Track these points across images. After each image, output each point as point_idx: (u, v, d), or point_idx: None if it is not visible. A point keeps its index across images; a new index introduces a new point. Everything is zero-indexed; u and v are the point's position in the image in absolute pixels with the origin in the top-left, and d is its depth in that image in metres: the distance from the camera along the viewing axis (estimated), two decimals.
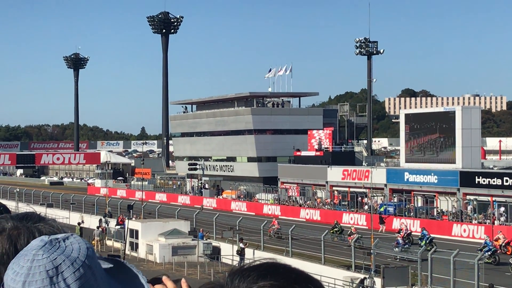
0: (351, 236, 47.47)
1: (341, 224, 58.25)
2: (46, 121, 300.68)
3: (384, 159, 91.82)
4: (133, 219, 55.80)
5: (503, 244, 46.40)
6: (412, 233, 51.75)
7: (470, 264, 32.54)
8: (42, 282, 1.60)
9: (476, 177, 60.57)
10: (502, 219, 56.78)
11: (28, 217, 2.15)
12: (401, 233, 49.49)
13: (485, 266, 35.49)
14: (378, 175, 66.87)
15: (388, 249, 42.18)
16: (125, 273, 1.86)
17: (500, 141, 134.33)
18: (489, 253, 42.49)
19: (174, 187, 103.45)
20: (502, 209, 57.53)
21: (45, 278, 1.61)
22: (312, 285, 1.42)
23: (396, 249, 43.53)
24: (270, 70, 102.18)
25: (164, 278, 2.08)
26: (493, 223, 55.67)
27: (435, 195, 64.20)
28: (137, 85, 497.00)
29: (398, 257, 41.96)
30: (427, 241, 47.22)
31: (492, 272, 37.50)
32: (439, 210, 62.43)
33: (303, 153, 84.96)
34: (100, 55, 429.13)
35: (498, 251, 44.76)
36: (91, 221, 64.42)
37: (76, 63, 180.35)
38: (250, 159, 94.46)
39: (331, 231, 51.88)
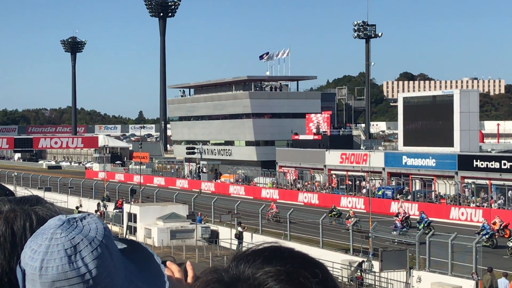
0: (349, 220, 47.55)
1: (339, 208, 58.34)
2: (43, 105, 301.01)
3: (382, 143, 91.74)
4: (131, 203, 55.81)
5: (500, 228, 46.51)
6: (410, 217, 51.86)
7: (468, 247, 32.58)
8: (60, 261, 1.60)
9: (474, 160, 60.58)
10: (500, 202, 56.83)
11: (25, 200, 2.15)
12: (399, 217, 49.55)
13: (483, 249, 35.51)
14: (376, 159, 66.85)
15: (386, 233, 42.24)
16: (140, 253, 1.86)
17: (498, 124, 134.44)
18: (486, 236, 42.56)
19: (172, 171, 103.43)
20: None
21: (63, 256, 1.61)
22: (318, 269, 1.40)
23: (394, 232, 43.59)
24: (267, 53, 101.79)
25: (168, 263, 2.08)
26: (491, 207, 55.77)
27: (433, 179, 64.24)
28: (134, 69, 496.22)
29: (396, 240, 42.02)
30: (426, 225, 47.30)
31: (490, 255, 37.55)
32: (437, 194, 62.49)
33: (301, 137, 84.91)
34: (98, 39, 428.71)
35: (496, 235, 44.87)
36: (89, 205, 64.49)
37: (74, 47, 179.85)
38: (248, 143, 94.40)
39: (329, 214, 51.94)
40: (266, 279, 1.35)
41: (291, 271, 1.36)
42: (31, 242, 1.67)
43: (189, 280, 2.10)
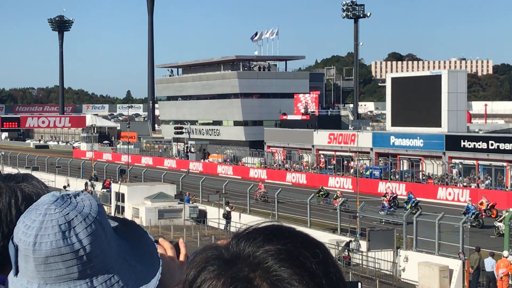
0: (337, 200, 47.73)
1: (327, 188, 58.45)
2: (31, 84, 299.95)
3: (370, 123, 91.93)
4: (119, 182, 55.72)
5: (487, 208, 46.76)
6: (398, 197, 52.07)
7: (455, 227, 32.71)
8: (54, 236, 1.59)
9: (462, 140, 60.76)
10: (487, 182, 57.09)
11: (11, 177, 2.14)
12: (387, 197, 49.72)
13: (470, 230, 35.70)
14: (364, 139, 66.96)
15: (374, 213, 42.35)
16: (132, 231, 1.85)
17: (486, 104, 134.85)
18: (472, 216, 42.80)
19: (160, 150, 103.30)
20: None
21: (57, 232, 1.59)
22: (319, 249, 1.39)
23: (382, 212, 43.75)
24: (256, 34, 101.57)
25: (161, 240, 2.07)
26: (478, 187, 56.03)
27: (420, 159, 64.43)
28: (122, 48, 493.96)
29: (383, 220, 42.16)
30: (413, 205, 47.49)
31: (477, 235, 37.76)
32: (424, 174, 62.71)
33: (289, 117, 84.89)
34: (85, 17, 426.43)
35: (482, 215, 45.11)
36: (77, 185, 64.32)
37: (61, 25, 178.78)
38: (236, 123, 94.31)
39: (317, 195, 52.03)
40: (266, 258, 1.34)
41: (291, 250, 1.35)
42: (24, 218, 1.65)
43: (182, 257, 2.09)
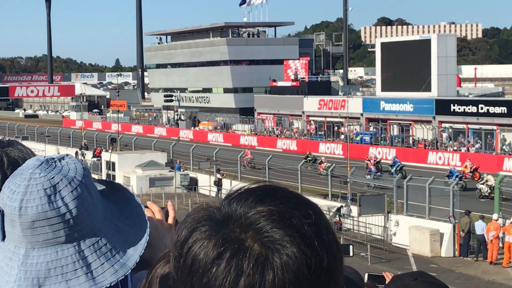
0: (322, 165, 47.95)
1: (318, 154, 58.59)
2: (19, 54, 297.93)
3: (360, 89, 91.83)
4: (109, 151, 55.64)
5: (470, 170, 47.11)
6: (382, 161, 52.37)
7: (445, 191, 32.87)
8: (40, 200, 1.58)
9: (452, 105, 60.84)
10: (477, 146, 57.28)
11: None
12: (371, 161, 50.04)
13: (461, 193, 35.89)
14: (354, 105, 66.91)
15: (364, 178, 42.52)
16: (119, 194, 1.84)
17: (475, 68, 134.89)
18: (456, 179, 43.15)
19: (150, 119, 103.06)
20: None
21: (43, 196, 1.58)
22: (311, 210, 1.37)
23: (368, 176, 43.94)
24: (245, 0, 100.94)
25: (149, 203, 2.07)
26: (468, 151, 56.23)
27: (410, 124, 64.53)
28: (110, 16, 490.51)
29: (371, 184, 42.29)
30: (398, 168, 47.81)
31: (467, 198, 37.90)
32: (414, 139, 62.86)
33: (279, 84, 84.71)
34: None
35: (465, 178, 45.39)
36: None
37: None
38: (226, 90, 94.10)
39: (304, 160, 52.19)
40: (258, 219, 1.32)
41: (283, 211, 1.33)
42: (9, 183, 1.63)
43: (170, 220, 2.08)
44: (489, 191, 39.74)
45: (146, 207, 1.99)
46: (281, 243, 1.30)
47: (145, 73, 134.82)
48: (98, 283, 1.62)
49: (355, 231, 34.59)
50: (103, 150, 58.09)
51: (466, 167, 47.47)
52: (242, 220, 1.33)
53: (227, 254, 1.30)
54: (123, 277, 1.67)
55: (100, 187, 1.78)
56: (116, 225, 1.72)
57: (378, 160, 51.30)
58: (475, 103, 59.66)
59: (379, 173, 46.03)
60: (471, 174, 46.87)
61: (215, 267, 1.30)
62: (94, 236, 1.65)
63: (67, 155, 1.72)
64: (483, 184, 41.22)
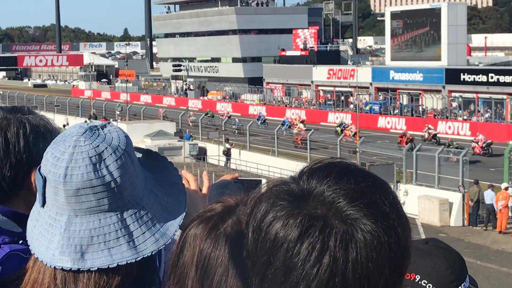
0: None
1: (327, 124, 58.49)
2: (27, 23, 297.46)
3: (370, 58, 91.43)
4: (118, 121, 55.71)
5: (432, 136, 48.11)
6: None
7: (455, 161, 32.82)
8: (85, 168, 1.56)
9: (462, 74, 60.51)
10: (487, 115, 57.05)
11: (17, 109, 2.11)
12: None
13: (470, 162, 35.77)
14: (364, 74, 66.66)
15: (374, 147, 42.44)
16: (156, 162, 1.82)
17: (485, 37, 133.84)
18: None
19: (159, 88, 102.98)
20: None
21: (88, 164, 1.56)
22: (388, 189, 1.38)
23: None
24: None
25: (184, 172, 2.07)
26: (478, 120, 56.04)
27: (420, 93, 64.27)
28: None
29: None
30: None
31: (476, 168, 37.83)
32: (424, 108, 62.63)
33: (288, 53, 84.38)
34: None
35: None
36: (76, 123, 64.31)
37: None
38: (235, 60, 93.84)
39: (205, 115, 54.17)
40: (339, 197, 1.32)
41: (364, 190, 1.33)
42: (52, 149, 1.60)
43: (204, 190, 2.07)
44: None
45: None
46: (363, 221, 1.31)
47: (154, 43, 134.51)
48: (139, 252, 1.62)
49: None
50: (111, 120, 58.14)
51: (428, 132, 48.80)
52: (324, 197, 1.33)
53: (312, 231, 1.30)
54: (163, 246, 1.66)
55: (138, 155, 1.75)
56: (155, 194, 1.70)
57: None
58: (485, 72, 59.31)
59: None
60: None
61: (299, 244, 1.30)
62: (136, 205, 1.64)
63: (108, 123, 1.69)
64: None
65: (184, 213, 1.72)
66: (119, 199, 1.60)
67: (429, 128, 51.15)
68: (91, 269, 1.60)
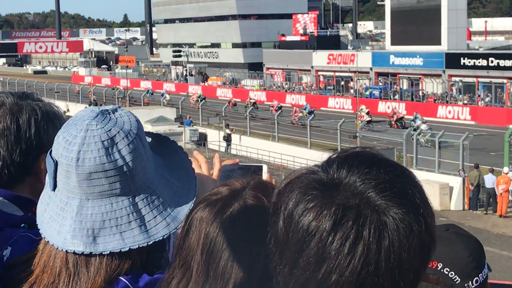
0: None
1: (327, 109, 58.48)
2: (26, 9, 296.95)
3: (370, 43, 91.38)
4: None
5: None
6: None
7: (455, 145, 32.83)
8: (98, 152, 1.56)
9: (462, 58, 60.44)
10: (487, 99, 57.04)
11: (28, 95, 2.15)
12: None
13: (470, 147, 35.79)
14: (364, 59, 66.59)
15: (374, 132, 42.47)
16: (166, 147, 1.82)
17: (486, 21, 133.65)
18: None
19: (159, 74, 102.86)
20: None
21: (100, 148, 1.56)
22: (415, 179, 1.39)
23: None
24: None
25: (195, 153, 2.07)
26: (478, 104, 56.04)
27: (420, 78, 64.21)
28: None
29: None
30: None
31: (476, 152, 37.85)
32: (424, 92, 62.61)
33: (288, 38, 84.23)
34: None
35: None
36: (77, 110, 63.61)
37: None
38: (235, 45, 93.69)
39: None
40: (370, 187, 1.33)
41: (394, 180, 1.34)
42: (64, 133, 1.60)
43: (215, 172, 2.06)
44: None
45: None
46: (395, 210, 1.32)
47: (153, 29, 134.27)
48: (151, 236, 1.63)
49: None
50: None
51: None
52: (354, 187, 1.34)
53: (345, 221, 1.31)
54: (174, 230, 1.67)
55: (148, 139, 1.75)
56: (166, 179, 1.71)
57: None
58: (485, 56, 59.24)
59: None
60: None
61: (333, 234, 1.31)
62: (147, 189, 1.64)
63: (119, 107, 1.69)
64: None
65: (195, 197, 1.72)
66: (131, 183, 1.61)
67: (394, 113, 51.21)
68: (103, 253, 1.61)
